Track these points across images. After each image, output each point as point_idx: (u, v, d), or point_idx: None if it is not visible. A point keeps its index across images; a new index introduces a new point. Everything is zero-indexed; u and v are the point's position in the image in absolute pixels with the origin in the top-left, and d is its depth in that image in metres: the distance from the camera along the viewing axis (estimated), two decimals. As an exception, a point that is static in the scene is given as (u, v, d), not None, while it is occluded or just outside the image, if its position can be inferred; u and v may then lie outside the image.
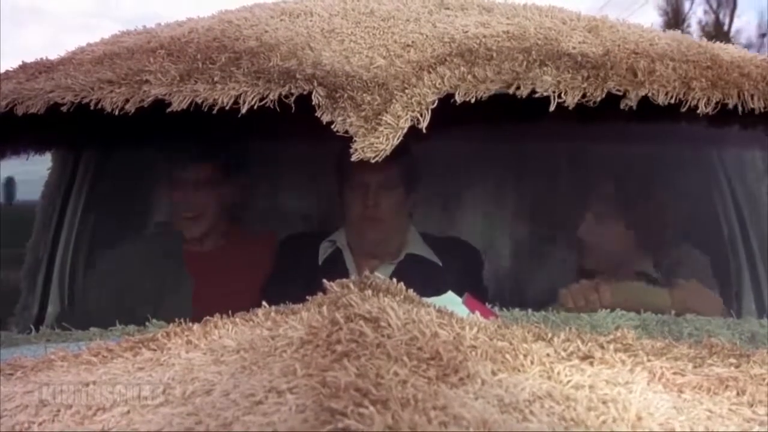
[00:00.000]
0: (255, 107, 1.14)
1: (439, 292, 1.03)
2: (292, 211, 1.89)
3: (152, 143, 1.53)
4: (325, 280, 0.87)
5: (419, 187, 1.60)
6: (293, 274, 1.52)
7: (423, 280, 1.40)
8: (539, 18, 1.36)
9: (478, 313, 0.95)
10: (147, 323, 1.10)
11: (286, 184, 1.89)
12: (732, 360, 0.84)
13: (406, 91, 1.13)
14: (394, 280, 0.88)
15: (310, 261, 1.57)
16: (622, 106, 1.14)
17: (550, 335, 0.85)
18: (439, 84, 1.14)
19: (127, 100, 1.19)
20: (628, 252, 1.50)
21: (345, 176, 1.52)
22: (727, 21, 20.67)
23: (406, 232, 1.59)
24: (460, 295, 1.06)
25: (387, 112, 1.10)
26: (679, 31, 1.41)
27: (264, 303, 0.90)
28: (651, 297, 1.34)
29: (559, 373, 0.76)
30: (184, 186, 1.58)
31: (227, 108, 1.15)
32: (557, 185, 1.75)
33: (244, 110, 1.14)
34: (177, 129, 1.33)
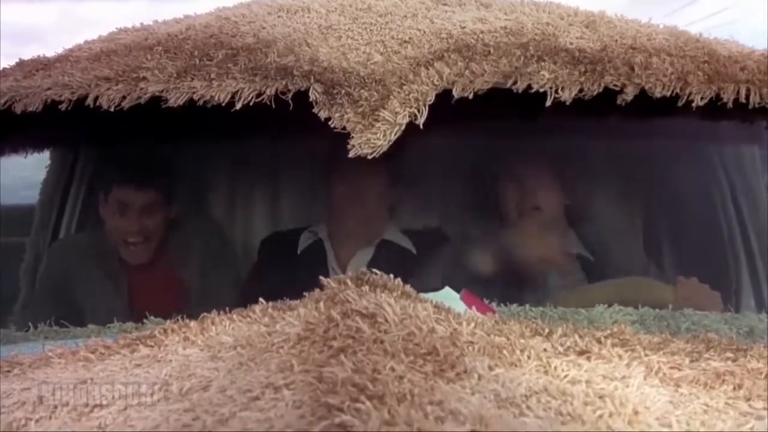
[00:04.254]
0: (250, 104, 1.14)
1: (412, 277, 1.02)
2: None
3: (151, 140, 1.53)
4: (321, 277, 0.87)
5: (402, 183, 1.61)
6: (274, 266, 1.54)
7: (397, 264, 1.40)
8: (537, 13, 1.35)
9: (474, 308, 0.95)
10: (144, 320, 1.10)
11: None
12: (729, 354, 0.84)
13: (404, 87, 1.13)
14: (391, 276, 0.88)
15: (291, 251, 1.59)
16: (618, 102, 1.14)
17: (547, 330, 0.85)
18: (437, 80, 1.14)
19: (124, 97, 1.19)
20: (556, 218, 1.53)
21: (332, 166, 1.54)
22: None
23: (384, 222, 1.61)
24: (457, 290, 1.05)
25: (384, 108, 1.10)
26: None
27: (260, 299, 0.90)
28: (655, 293, 1.34)
29: (555, 368, 0.76)
30: (131, 210, 1.52)
31: (224, 104, 1.15)
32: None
33: (238, 106, 1.14)
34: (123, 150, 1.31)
